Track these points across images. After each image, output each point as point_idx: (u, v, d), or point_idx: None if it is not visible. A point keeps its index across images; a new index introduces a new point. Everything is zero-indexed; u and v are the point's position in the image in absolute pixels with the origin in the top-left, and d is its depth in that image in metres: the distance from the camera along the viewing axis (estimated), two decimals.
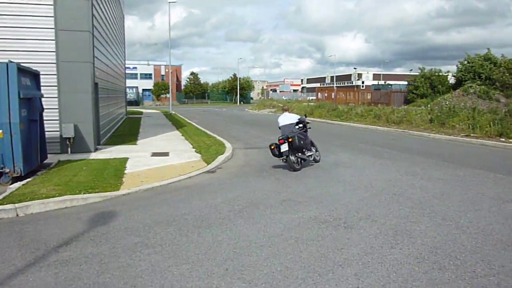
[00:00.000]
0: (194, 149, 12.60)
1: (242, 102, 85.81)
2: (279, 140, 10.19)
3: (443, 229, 5.98)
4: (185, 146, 13.30)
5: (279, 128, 10.92)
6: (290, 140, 10.08)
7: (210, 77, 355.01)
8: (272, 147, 10.24)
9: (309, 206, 6.89)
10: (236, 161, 11.11)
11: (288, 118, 10.86)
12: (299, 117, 10.81)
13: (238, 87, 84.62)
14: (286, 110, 11.37)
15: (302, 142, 10.16)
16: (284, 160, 10.18)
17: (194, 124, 22.98)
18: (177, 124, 22.87)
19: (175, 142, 14.19)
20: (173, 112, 39.75)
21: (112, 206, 7.10)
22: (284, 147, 10.11)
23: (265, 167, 9.90)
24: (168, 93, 73.08)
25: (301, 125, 10.58)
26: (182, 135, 16.49)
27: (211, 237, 5.58)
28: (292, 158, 10.09)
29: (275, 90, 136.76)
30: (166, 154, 11.49)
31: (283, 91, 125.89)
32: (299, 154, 10.31)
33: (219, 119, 30.11)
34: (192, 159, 10.85)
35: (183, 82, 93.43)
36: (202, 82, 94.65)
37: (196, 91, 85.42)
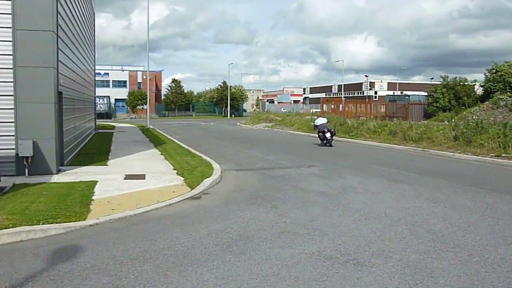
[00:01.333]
0: (175, 171, 12.29)
1: (233, 115, 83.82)
2: (324, 131, 23.14)
3: (470, 266, 5.90)
4: (165, 167, 12.91)
5: (317, 126, 23.87)
6: (332, 130, 23.56)
7: (196, 85, 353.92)
8: (322, 133, 23.12)
9: (312, 239, 6.79)
10: (226, 185, 10.81)
11: (322, 120, 24.15)
12: (326, 120, 24.86)
13: (229, 97, 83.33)
14: (319, 116, 26.99)
15: (335, 132, 24.29)
16: (325, 143, 23.01)
17: (175, 141, 22.52)
18: (156, 140, 22.44)
19: (153, 163, 13.81)
20: (151, 127, 38.93)
21: (76, 239, 6.95)
22: (328, 135, 23.19)
23: (260, 192, 9.82)
24: (146, 104, 71.99)
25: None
26: (162, 154, 16.08)
27: (194, 277, 5.47)
28: (332, 138, 23.44)
29: (272, 101, 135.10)
30: (142, 176, 11.21)
31: (281, 102, 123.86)
32: (332, 138, 23.76)
33: (206, 135, 29.50)
34: (173, 183, 10.51)
35: (164, 91, 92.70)
36: (186, 91, 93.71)
37: (179, 102, 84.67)
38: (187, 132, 32.89)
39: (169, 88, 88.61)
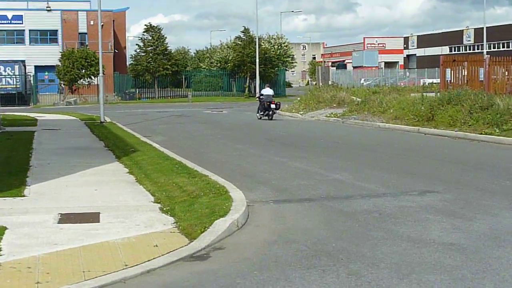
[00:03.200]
0: (157, 204, 9.70)
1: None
2: (270, 102, 29.79)
3: None
4: (137, 198, 10.43)
5: (262, 95, 30.65)
6: (278, 103, 30.59)
7: (194, 38, 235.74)
8: (268, 104, 29.45)
9: None
10: (257, 231, 8.42)
11: (269, 91, 30.91)
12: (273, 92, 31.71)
13: (258, 59, 57.78)
14: (268, 86, 32.21)
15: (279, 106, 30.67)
16: (266, 114, 29.74)
17: (156, 146, 19.52)
18: (119, 146, 19.82)
19: (115, 189, 11.56)
20: (108, 120, 30.47)
21: None
22: (273, 106, 29.78)
23: (324, 245, 7.41)
24: (96, 75, 48.77)
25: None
26: (131, 173, 14.32)
27: None
28: (275, 111, 29.93)
29: (342, 65, 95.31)
30: (93, 216, 8.75)
31: (361, 67, 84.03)
32: (276, 111, 30.05)
33: (214, 133, 25.04)
34: (154, 228, 8.30)
35: (131, 51, 71.64)
36: (174, 49, 72.22)
37: (161, 71, 60.49)
38: (178, 128, 27.88)
39: (141, 44, 62.69)
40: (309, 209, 10.61)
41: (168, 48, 65.45)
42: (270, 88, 32.84)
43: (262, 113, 30.45)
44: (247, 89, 64.20)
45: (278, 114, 35.37)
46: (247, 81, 64.61)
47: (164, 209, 10.31)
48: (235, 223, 9.14)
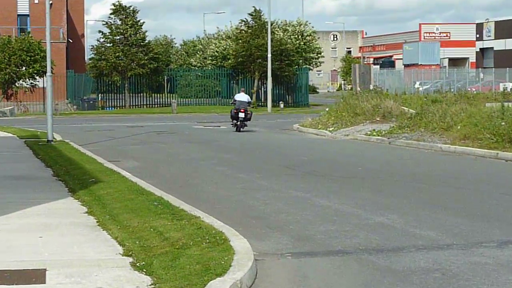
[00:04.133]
0: (128, 258, 8.66)
1: (282, 103, 49.78)
2: (239, 110, 28.69)
3: None
4: (99, 247, 8.79)
5: (235, 101, 29.83)
6: (248, 112, 29.48)
7: (180, 24, 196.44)
8: (235, 111, 28.80)
9: None
10: None
11: (243, 97, 30.29)
12: (248, 99, 30.73)
13: (270, 51, 47.10)
14: (243, 91, 31.76)
15: (250, 117, 29.61)
16: (235, 124, 29.07)
17: (126, 175, 17.23)
18: (74, 175, 17.36)
19: (68, 234, 9.76)
20: (57, 138, 26.60)
21: None
22: (242, 116, 28.66)
23: None
24: (42, 74, 41.07)
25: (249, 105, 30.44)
26: (90, 212, 11.52)
27: None
28: (244, 123, 29.07)
29: (389, 62, 76.56)
30: (37, 275, 7.51)
31: (414, 65, 69.38)
32: (246, 122, 28.95)
33: (207, 157, 22.59)
34: None
35: (91, 41, 57.55)
36: (152, 38, 59.02)
37: (133, 69, 50.26)
38: (158, 150, 24.94)
39: (106, 30, 51.64)
40: (342, 266, 9.31)
41: (146, 37, 53.28)
42: (246, 93, 31.43)
43: (232, 122, 29.12)
44: (254, 95, 48.87)
45: (299, 132, 32.55)
46: (255, 83, 50.90)
47: (138, 264, 8.90)
48: (237, 284, 7.88)
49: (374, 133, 28.06)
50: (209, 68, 60.06)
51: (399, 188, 16.83)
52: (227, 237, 10.28)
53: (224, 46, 58.78)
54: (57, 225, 11.85)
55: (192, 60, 68.80)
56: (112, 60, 50.26)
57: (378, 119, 31.60)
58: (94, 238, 10.86)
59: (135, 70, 50.71)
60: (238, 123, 28.35)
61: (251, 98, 51.12)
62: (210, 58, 61.22)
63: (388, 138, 26.62)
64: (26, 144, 26.35)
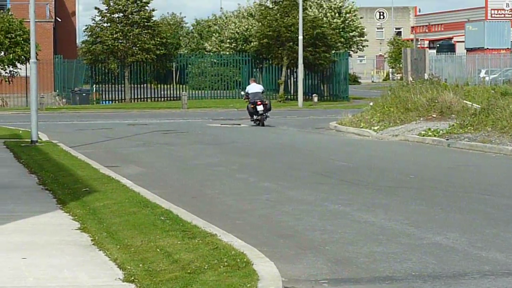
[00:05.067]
0: (130, 284, 8.47)
1: (315, 96, 44.75)
2: (256, 103, 27.37)
3: None
4: (95, 270, 8.46)
5: (248, 95, 28.30)
6: (266, 103, 27.97)
7: (192, 1, 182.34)
8: (252, 106, 27.47)
9: None
10: None
11: (256, 87, 28.99)
12: (262, 88, 29.36)
13: (301, 33, 41.74)
14: (254, 81, 30.62)
15: (270, 106, 28.68)
16: (255, 119, 28.20)
17: (126, 183, 16.13)
18: (64, 183, 16.10)
19: (58, 256, 10.38)
20: (44, 139, 24.27)
21: None
22: (260, 108, 27.66)
23: None
24: (25, 60, 36.65)
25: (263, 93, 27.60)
26: (83, 228, 11.98)
27: None
28: (266, 115, 28.07)
29: (448, 46, 66.92)
30: None
31: (479, 49, 61.44)
32: (267, 113, 28.12)
33: (225, 161, 20.94)
34: None
35: (85, 19, 48.15)
36: (158, 17, 52.33)
37: (135, 55, 44.85)
38: (166, 153, 22.94)
39: (103, 7, 45.99)
40: None
41: (152, 17, 46.82)
42: (258, 83, 29.59)
43: (251, 118, 28.08)
44: (282, 86, 44.62)
45: (336, 131, 29.73)
46: (283, 72, 45.27)
47: None
48: None
49: (430, 133, 25.83)
50: (227, 53, 54.01)
51: (460, 200, 15.26)
52: (250, 259, 9.46)
53: (246, 26, 53.50)
54: (43, 244, 11.09)
55: (206, 44, 62.44)
56: (109, 43, 44.20)
57: (434, 115, 28.86)
58: (89, 260, 10.18)
59: (137, 56, 44.93)
60: (259, 117, 27.15)
61: (278, 89, 48.23)
62: (228, 41, 55.39)
63: (447, 139, 24.50)
64: (5, 145, 24.20)
